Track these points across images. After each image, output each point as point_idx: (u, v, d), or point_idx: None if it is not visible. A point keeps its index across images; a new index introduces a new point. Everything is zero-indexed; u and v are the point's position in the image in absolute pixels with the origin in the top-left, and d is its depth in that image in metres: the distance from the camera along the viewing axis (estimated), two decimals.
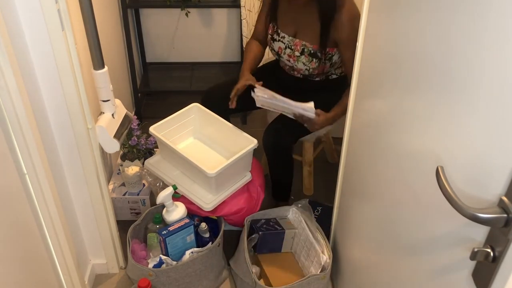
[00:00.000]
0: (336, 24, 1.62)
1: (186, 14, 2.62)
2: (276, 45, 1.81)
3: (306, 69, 1.77)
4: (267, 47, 1.92)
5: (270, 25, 1.82)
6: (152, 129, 1.78)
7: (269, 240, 1.71)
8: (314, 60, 1.73)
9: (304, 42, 1.73)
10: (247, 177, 1.83)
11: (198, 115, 1.93)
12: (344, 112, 1.70)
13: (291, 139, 1.80)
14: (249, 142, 1.75)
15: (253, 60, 1.91)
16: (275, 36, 1.80)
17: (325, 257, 1.59)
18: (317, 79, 1.82)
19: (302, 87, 1.87)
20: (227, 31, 2.85)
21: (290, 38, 1.76)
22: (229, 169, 1.68)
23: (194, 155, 1.73)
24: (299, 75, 1.84)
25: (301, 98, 1.87)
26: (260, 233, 1.68)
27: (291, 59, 1.79)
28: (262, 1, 1.86)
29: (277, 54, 1.83)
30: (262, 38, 1.90)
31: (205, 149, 1.90)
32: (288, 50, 1.78)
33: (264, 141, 1.78)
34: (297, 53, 1.76)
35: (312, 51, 1.72)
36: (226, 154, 1.84)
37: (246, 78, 1.83)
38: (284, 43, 1.78)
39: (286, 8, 1.74)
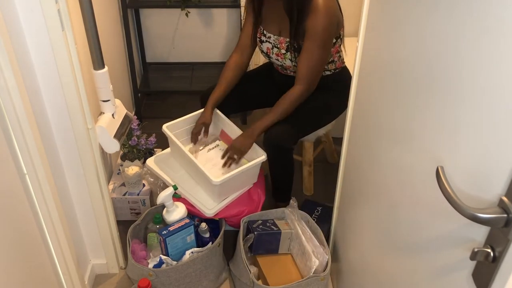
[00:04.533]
0: (310, 12, 1.60)
1: (186, 14, 2.63)
2: (265, 46, 1.81)
3: (294, 65, 1.77)
4: (255, 51, 1.92)
5: (258, 30, 1.82)
6: (165, 127, 1.78)
7: (265, 241, 1.70)
8: (298, 55, 1.73)
9: (287, 39, 1.73)
10: (249, 186, 1.84)
11: (212, 118, 1.92)
12: (277, 118, 1.71)
13: (292, 140, 1.80)
14: (259, 154, 1.75)
15: (224, 88, 1.87)
16: (262, 38, 1.80)
17: (317, 262, 1.59)
18: None
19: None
20: (227, 31, 2.85)
21: (276, 37, 1.76)
22: (235, 178, 1.67)
23: (201, 158, 1.73)
24: (292, 74, 1.85)
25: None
26: (255, 233, 1.68)
27: (279, 58, 1.80)
28: (246, 11, 1.86)
29: (267, 55, 1.84)
30: (246, 48, 1.87)
31: (214, 153, 1.89)
32: (275, 49, 1.79)
33: (266, 141, 1.78)
34: (283, 51, 1.76)
35: (295, 46, 1.72)
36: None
37: (202, 121, 1.84)
38: (271, 43, 1.79)
39: (269, 9, 1.75)
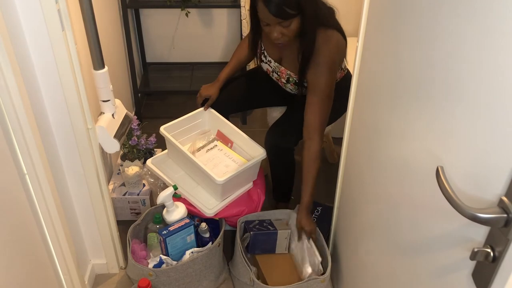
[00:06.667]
0: (311, 64, 1.59)
1: (186, 14, 2.62)
2: (265, 66, 1.81)
3: (294, 93, 1.78)
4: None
5: (259, 45, 1.80)
6: (163, 129, 1.78)
7: (261, 241, 1.70)
8: (300, 88, 1.73)
9: (288, 72, 1.73)
10: (249, 185, 1.85)
11: (209, 118, 1.93)
12: (314, 182, 1.67)
13: (294, 140, 1.80)
14: (258, 152, 1.75)
15: (235, 66, 1.92)
16: (263, 58, 1.80)
17: (310, 269, 1.59)
18: None
19: (295, 96, 1.87)
20: (227, 31, 2.85)
21: (276, 64, 1.75)
22: (237, 177, 1.68)
23: (201, 159, 1.73)
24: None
25: (296, 106, 1.86)
26: (251, 233, 1.68)
27: (279, 82, 1.81)
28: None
29: (266, 73, 1.84)
30: (253, 40, 1.88)
31: (213, 153, 1.90)
32: (275, 75, 1.79)
33: (267, 142, 1.78)
34: (283, 80, 1.77)
35: (296, 81, 1.72)
36: (233, 160, 1.85)
37: (208, 94, 1.87)
38: (271, 67, 1.78)
39: None
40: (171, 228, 1.63)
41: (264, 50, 1.78)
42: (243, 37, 2.55)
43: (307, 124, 1.64)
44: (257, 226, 1.71)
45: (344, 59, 1.76)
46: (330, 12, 1.63)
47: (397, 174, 1.03)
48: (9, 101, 1.11)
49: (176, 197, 1.72)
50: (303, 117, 1.75)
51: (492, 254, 0.64)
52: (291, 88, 1.78)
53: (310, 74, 1.61)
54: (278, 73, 1.77)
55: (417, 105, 0.90)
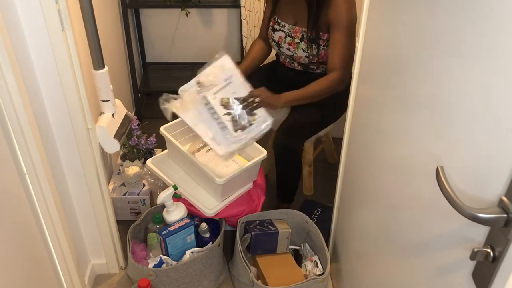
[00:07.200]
0: (330, 5, 1.64)
1: (186, 14, 2.63)
2: (277, 35, 1.83)
3: (306, 56, 1.78)
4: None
5: (272, 19, 1.84)
6: (163, 129, 1.78)
7: (263, 241, 1.70)
8: (314, 46, 1.74)
9: (303, 29, 1.75)
10: (249, 185, 1.85)
11: None
12: (306, 98, 1.68)
13: (301, 140, 1.80)
14: (259, 152, 1.75)
15: (249, 63, 1.94)
16: (276, 26, 1.82)
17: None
18: (317, 71, 1.83)
19: (302, 81, 1.88)
20: (227, 31, 2.85)
21: (290, 26, 1.78)
22: (237, 177, 1.68)
23: (201, 159, 1.73)
24: (299, 68, 1.85)
25: (300, 106, 1.87)
26: (252, 233, 1.67)
27: (291, 47, 1.81)
28: (266, 2, 1.89)
29: (278, 44, 1.84)
30: (267, 38, 1.92)
31: (212, 153, 1.89)
32: (288, 39, 1.80)
33: (276, 142, 1.78)
34: (297, 40, 1.78)
35: (310, 36, 1.74)
36: (233, 161, 1.85)
37: None
38: (285, 32, 1.80)
39: (286, 0, 1.78)
40: (171, 228, 1.63)
41: (277, 19, 1.81)
42: (243, 36, 2.56)
43: (330, 60, 1.69)
44: (258, 227, 1.71)
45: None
46: None
47: (397, 174, 1.03)
48: (9, 101, 1.11)
49: (176, 197, 1.72)
50: (309, 117, 1.75)
51: (492, 254, 0.64)
52: (303, 48, 1.77)
53: (330, 13, 1.65)
54: (292, 35, 1.78)
55: (417, 104, 0.90)
